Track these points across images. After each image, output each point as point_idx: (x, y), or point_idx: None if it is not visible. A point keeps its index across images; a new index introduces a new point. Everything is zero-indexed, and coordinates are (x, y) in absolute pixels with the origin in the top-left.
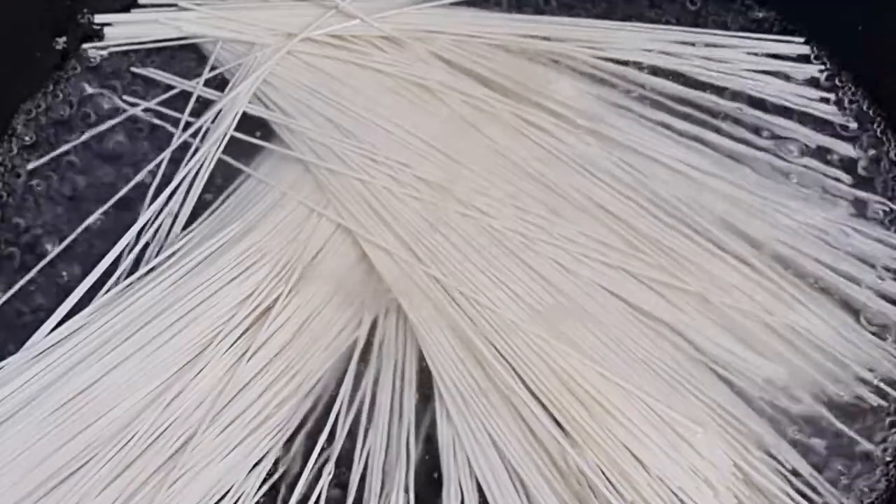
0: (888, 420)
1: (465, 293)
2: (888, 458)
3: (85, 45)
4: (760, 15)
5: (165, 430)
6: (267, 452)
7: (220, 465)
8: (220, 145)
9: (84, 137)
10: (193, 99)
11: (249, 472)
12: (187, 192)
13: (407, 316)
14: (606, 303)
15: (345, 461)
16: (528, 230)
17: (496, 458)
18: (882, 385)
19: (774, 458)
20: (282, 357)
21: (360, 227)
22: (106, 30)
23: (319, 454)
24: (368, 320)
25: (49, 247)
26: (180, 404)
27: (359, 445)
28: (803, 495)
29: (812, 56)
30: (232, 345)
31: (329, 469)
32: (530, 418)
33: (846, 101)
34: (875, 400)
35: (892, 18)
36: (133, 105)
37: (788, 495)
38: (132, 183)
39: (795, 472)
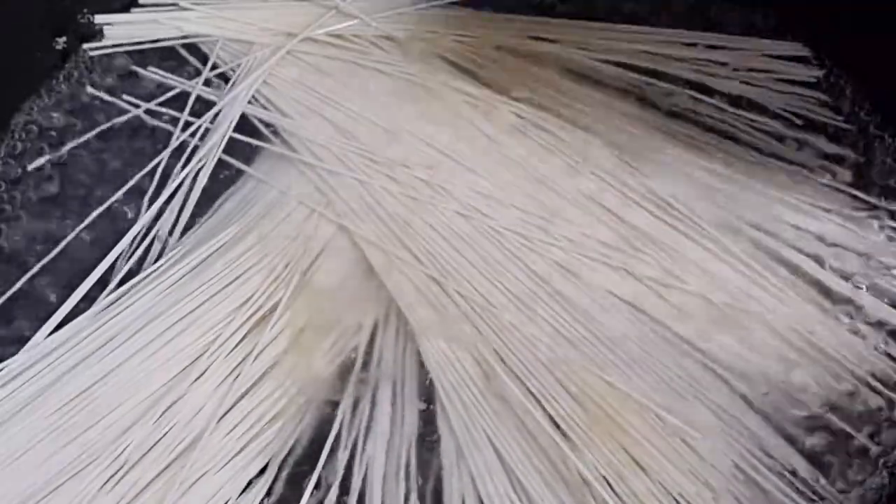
0: (888, 420)
1: (464, 295)
2: (888, 458)
3: (85, 45)
4: (759, 16)
5: (162, 438)
6: (266, 465)
7: (217, 477)
8: (219, 146)
9: (83, 138)
10: (192, 98)
11: (248, 485)
12: (187, 193)
13: (407, 320)
14: (606, 304)
15: (345, 472)
16: (529, 231)
17: (497, 464)
18: (882, 385)
19: (774, 459)
20: (281, 364)
21: (359, 228)
22: (106, 30)
23: (319, 467)
24: (369, 325)
25: (48, 247)
26: (177, 412)
27: (359, 454)
28: (803, 495)
29: (811, 58)
30: (232, 350)
31: (330, 484)
32: (531, 423)
33: (844, 103)
34: (875, 400)
35: (891, 19)
36: (133, 105)
37: (788, 496)
38: (130, 183)
39: (795, 473)
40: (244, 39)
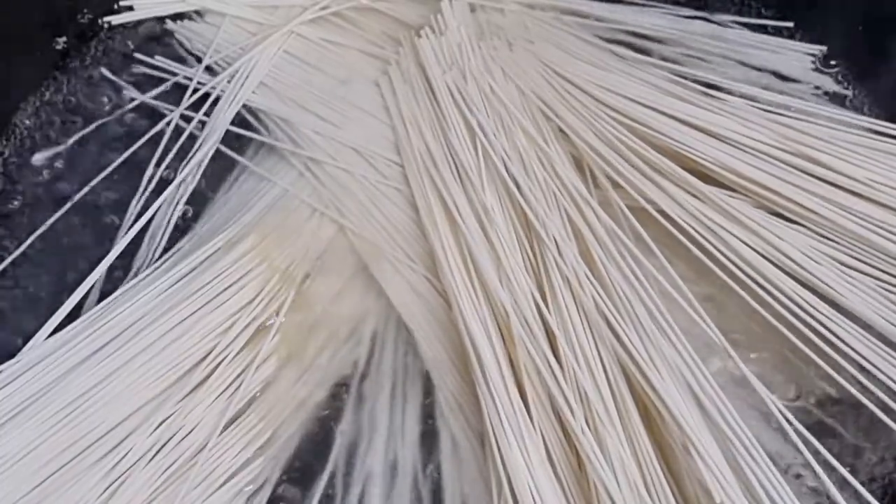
0: (888, 419)
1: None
2: (888, 458)
3: (107, 18)
4: (763, 16)
5: (158, 451)
6: (265, 482)
7: (218, 494)
8: (219, 136)
9: (82, 134)
10: (189, 92)
11: (250, 498)
12: (186, 190)
13: (408, 326)
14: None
15: (346, 482)
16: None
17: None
18: (882, 385)
19: (774, 459)
20: (281, 375)
21: (358, 228)
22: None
23: (323, 478)
24: (369, 332)
25: (47, 245)
26: (177, 423)
27: (359, 465)
28: (804, 495)
29: (817, 58)
30: (233, 358)
31: (331, 494)
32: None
33: (849, 103)
34: (875, 399)
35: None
36: (131, 101)
37: (789, 496)
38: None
39: (797, 473)
40: (248, 17)
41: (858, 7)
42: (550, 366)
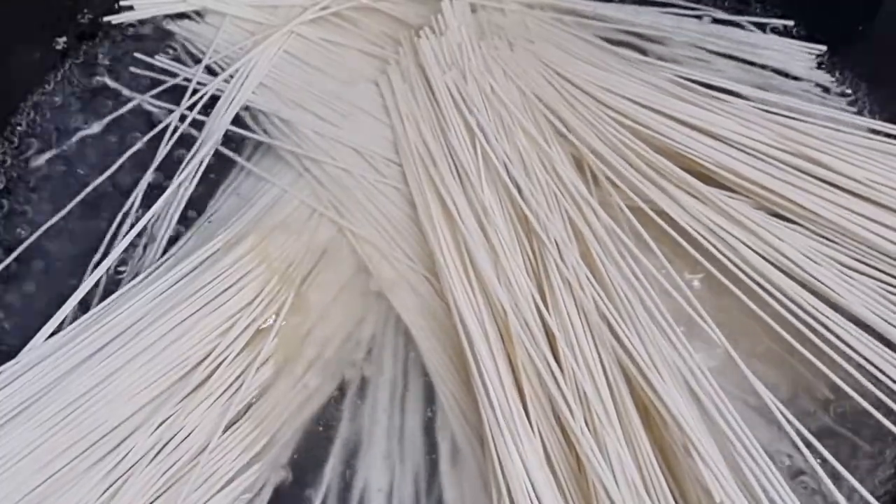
0: (886, 421)
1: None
2: (890, 459)
3: (107, 18)
4: (763, 15)
5: (158, 453)
6: (264, 486)
7: (216, 499)
8: (217, 138)
9: (81, 135)
10: (189, 92)
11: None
12: (186, 190)
13: (407, 328)
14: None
15: (345, 487)
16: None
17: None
18: (882, 386)
19: (775, 461)
20: (279, 379)
21: (358, 229)
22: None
23: (322, 482)
24: (367, 335)
25: (46, 245)
26: (175, 425)
27: (357, 471)
28: (804, 496)
29: (817, 57)
30: (232, 360)
31: (330, 499)
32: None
33: (849, 103)
34: (874, 400)
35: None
36: (131, 101)
37: (789, 496)
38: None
39: (797, 474)
40: (248, 17)
41: (859, 6)
42: (550, 367)
